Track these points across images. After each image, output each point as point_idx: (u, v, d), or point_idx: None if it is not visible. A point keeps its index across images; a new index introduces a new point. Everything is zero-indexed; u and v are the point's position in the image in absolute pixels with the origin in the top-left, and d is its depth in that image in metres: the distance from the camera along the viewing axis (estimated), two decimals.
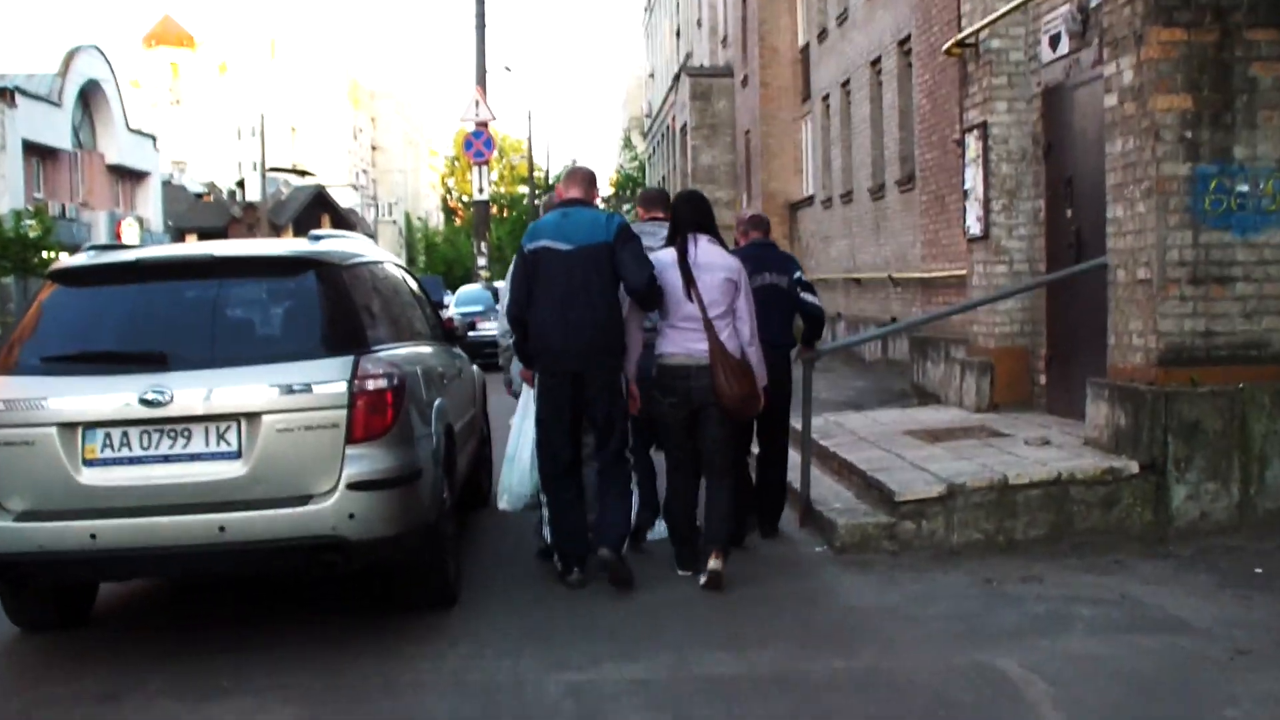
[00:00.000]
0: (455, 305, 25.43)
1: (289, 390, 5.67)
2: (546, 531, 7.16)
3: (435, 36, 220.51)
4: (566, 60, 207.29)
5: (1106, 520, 7.61)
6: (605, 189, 66.68)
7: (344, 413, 5.70)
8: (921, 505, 7.53)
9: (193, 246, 7.33)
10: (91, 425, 5.66)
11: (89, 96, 50.38)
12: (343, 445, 5.70)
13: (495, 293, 25.37)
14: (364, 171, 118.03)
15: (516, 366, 7.52)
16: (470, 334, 23.37)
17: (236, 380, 5.69)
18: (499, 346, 7.98)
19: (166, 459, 5.68)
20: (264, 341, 6.12)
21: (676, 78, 40.39)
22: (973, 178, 11.01)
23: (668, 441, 7.07)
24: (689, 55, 42.26)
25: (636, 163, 62.59)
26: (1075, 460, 7.87)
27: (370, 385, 5.77)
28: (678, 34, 50.25)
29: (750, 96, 31.36)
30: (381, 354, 6.09)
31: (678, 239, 6.84)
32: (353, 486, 5.69)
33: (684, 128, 36.85)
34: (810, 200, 27.56)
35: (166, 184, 78.61)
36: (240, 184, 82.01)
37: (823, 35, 25.71)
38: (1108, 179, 8.28)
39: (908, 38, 19.40)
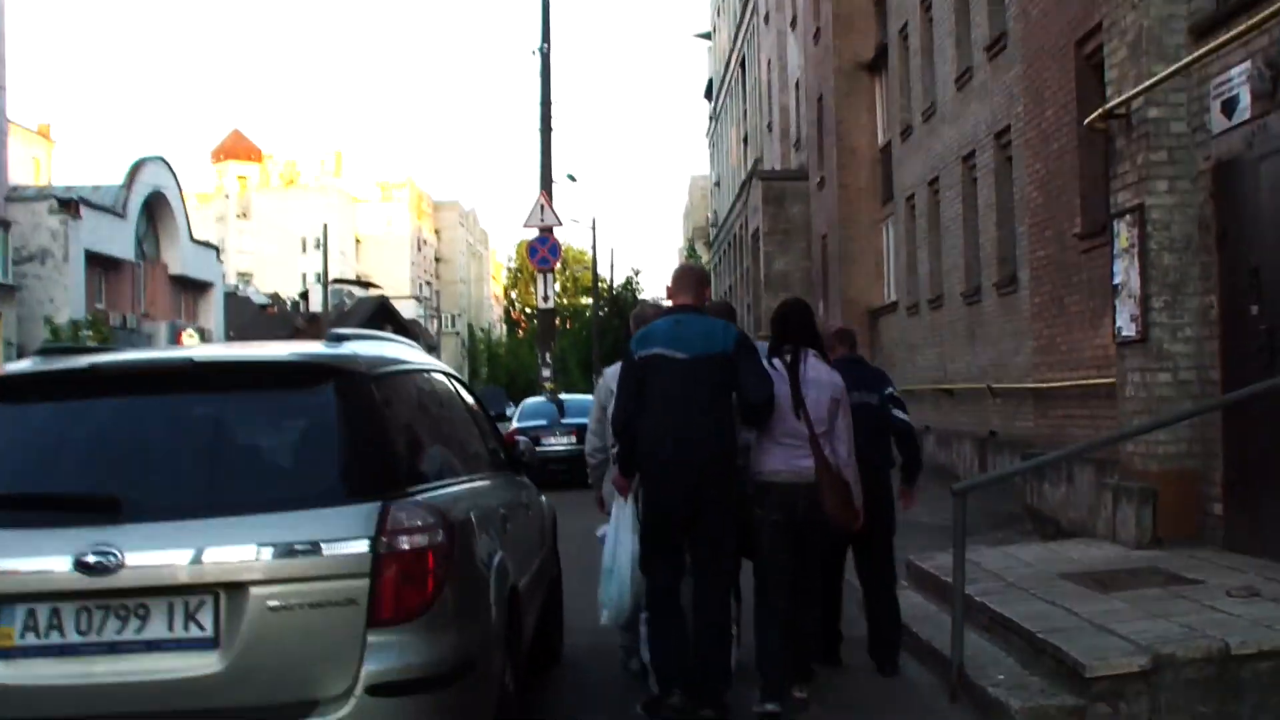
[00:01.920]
0: (518, 419, 23.88)
1: (288, 551, 4.09)
2: (644, 652, 6.75)
3: (499, 148, 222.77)
4: (630, 170, 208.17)
5: None
6: (663, 299, 65.56)
7: (365, 584, 4.11)
8: (1119, 683, 5.80)
9: (172, 349, 5.76)
10: (8, 600, 4.09)
11: (154, 208, 50.12)
12: (363, 630, 4.10)
13: (560, 405, 23.85)
14: (427, 283, 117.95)
15: (608, 485, 7.19)
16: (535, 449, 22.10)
17: (214, 537, 4.14)
18: (588, 464, 7.60)
19: (113, 648, 4.07)
20: (256, 482, 4.47)
21: (745, 184, 39.21)
22: (1124, 271, 9.39)
23: (765, 564, 6.63)
24: (758, 160, 41.07)
25: None
26: None
27: (404, 544, 4.19)
28: (745, 140, 49.32)
29: (827, 199, 29.98)
30: (422, 498, 4.52)
31: (787, 352, 6.61)
32: (376, 690, 4.08)
33: (755, 233, 35.51)
34: (894, 306, 25.97)
35: (231, 295, 78.77)
36: (304, 295, 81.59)
37: (906, 133, 24.32)
38: None
39: (1005, 129, 17.94)
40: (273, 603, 4.05)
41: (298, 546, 4.09)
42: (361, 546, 4.12)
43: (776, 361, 6.59)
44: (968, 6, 19.82)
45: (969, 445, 19.89)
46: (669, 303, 6.97)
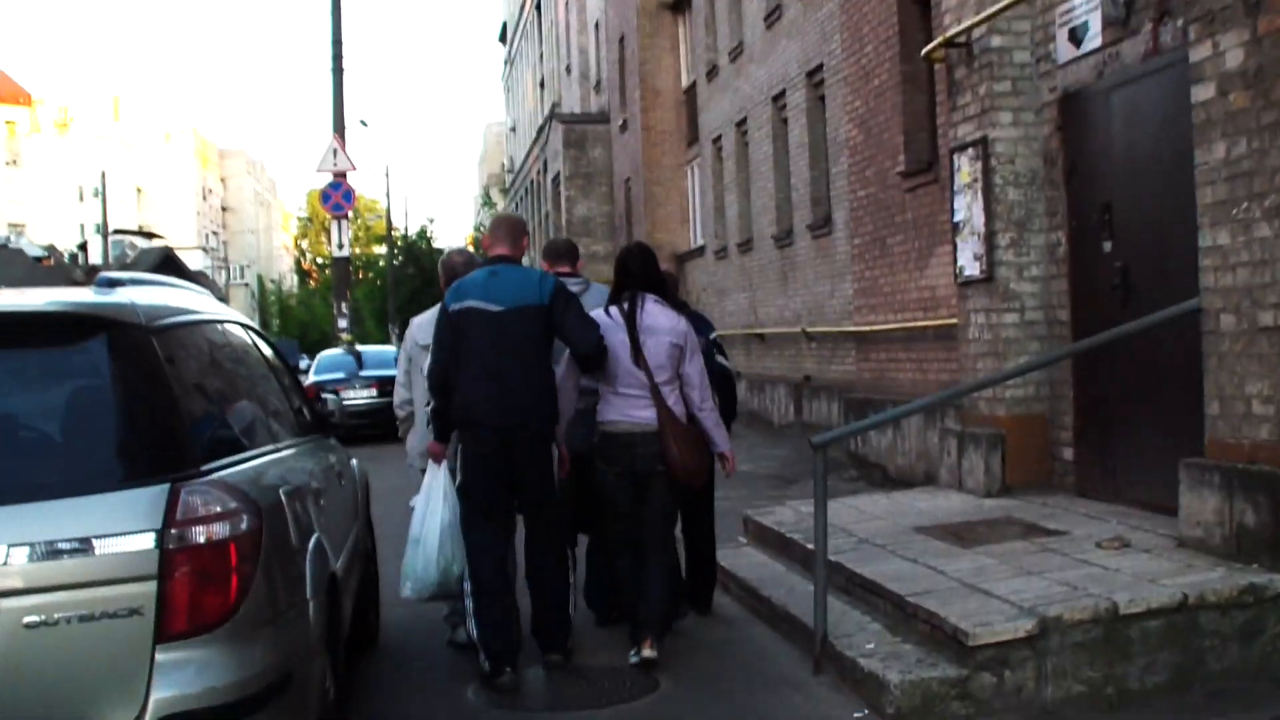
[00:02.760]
0: (315, 372, 22.73)
1: (49, 552, 3.27)
2: (470, 625, 6.39)
3: (287, 94, 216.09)
4: (423, 117, 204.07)
5: (1247, 658, 5.54)
6: (465, 246, 64.52)
7: (151, 588, 3.32)
8: (1003, 650, 5.34)
9: None
10: None
11: None
12: (150, 647, 3.32)
13: (359, 357, 22.82)
14: (214, 233, 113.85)
15: (415, 439, 7.06)
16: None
17: None
18: (396, 417, 7.39)
19: None
20: (4, 463, 3.54)
21: (543, 128, 38.37)
22: (966, 207, 8.99)
23: (609, 517, 6.57)
24: (556, 104, 40.21)
25: None
26: (1197, 574, 5.77)
27: (200, 535, 3.41)
28: (542, 85, 48.40)
29: (630, 142, 29.40)
30: (220, 475, 3.72)
31: (624, 298, 6.42)
32: None
33: (556, 178, 34.75)
34: (701, 251, 25.61)
35: (2, 248, 74.38)
36: (83, 247, 77.26)
37: (712, 73, 23.87)
38: (1200, 196, 6.28)
39: (818, 68, 17.59)
40: (30, 618, 3.25)
41: (61, 545, 3.28)
42: (145, 542, 3.35)
43: (614, 310, 6.41)
44: None
45: (783, 390, 19.63)
46: (471, 250, 6.71)
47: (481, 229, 65.88)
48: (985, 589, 5.95)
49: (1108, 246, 7.81)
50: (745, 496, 12.70)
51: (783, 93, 19.38)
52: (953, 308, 11.58)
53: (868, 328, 14.11)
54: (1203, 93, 6.22)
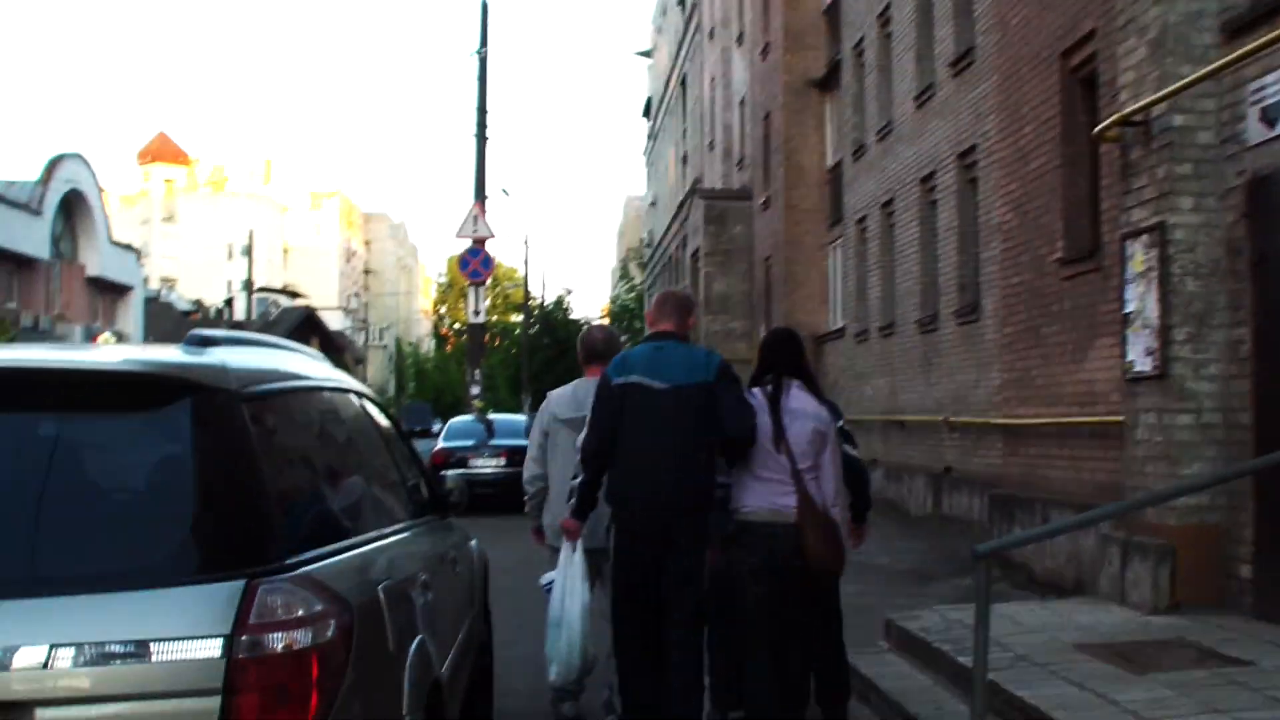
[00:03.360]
0: (444, 438, 22.54)
1: (99, 656, 2.81)
2: (615, 701, 6.31)
3: (431, 161, 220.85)
4: (565, 188, 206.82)
5: None
6: (599, 319, 64.54)
7: (215, 704, 2.83)
8: None
9: None
10: None
11: (71, 206, 48.26)
12: None
13: (490, 425, 22.56)
14: (356, 295, 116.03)
15: (551, 516, 6.83)
16: (460, 470, 20.73)
17: None
18: (525, 493, 7.12)
19: None
20: (56, 546, 3.06)
21: (684, 202, 38.18)
22: (1138, 298, 8.34)
23: (746, 612, 6.08)
24: (698, 180, 40.03)
25: (634, 294, 60.31)
26: None
27: (277, 643, 2.91)
28: (684, 160, 48.40)
29: (772, 220, 29.01)
30: (308, 570, 3.23)
31: (768, 381, 6.18)
32: None
33: (695, 253, 34.45)
34: (840, 333, 25.02)
35: (153, 301, 76.58)
36: (229, 302, 79.70)
37: (859, 152, 23.40)
38: None
39: (970, 149, 17.05)
40: None
41: (113, 648, 2.81)
42: (211, 649, 2.86)
43: (757, 391, 6.17)
44: (931, 21, 18.93)
45: (922, 480, 18.91)
46: (610, 325, 6.32)
47: (618, 301, 66.00)
48: None
49: None
50: (882, 594, 12.05)
51: (932, 174, 18.85)
52: (1112, 404, 10.89)
53: (1017, 420, 13.38)
54: None
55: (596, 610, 6.18)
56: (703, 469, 5.96)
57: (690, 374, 5.98)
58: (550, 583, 6.33)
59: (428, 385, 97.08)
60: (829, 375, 25.32)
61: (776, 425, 5.99)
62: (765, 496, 5.98)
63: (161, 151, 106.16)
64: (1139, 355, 8.34)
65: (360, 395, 4.95)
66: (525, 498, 7.17)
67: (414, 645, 3.87)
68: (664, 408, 5.92)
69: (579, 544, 6.16)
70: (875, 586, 12.39)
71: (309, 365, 4.32)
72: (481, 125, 28.05)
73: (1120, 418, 10.61)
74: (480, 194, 27.38)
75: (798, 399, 6.13)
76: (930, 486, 18.41)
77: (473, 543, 6.45)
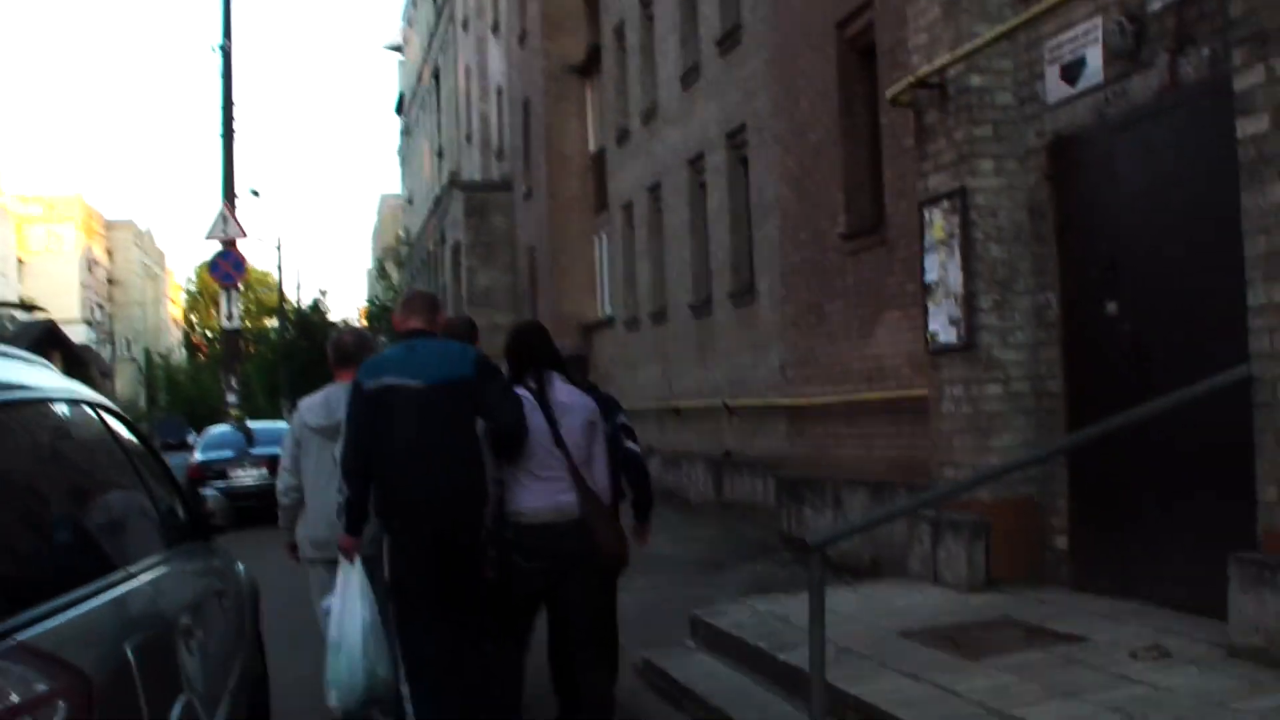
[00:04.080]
0: (201, 450, 21.15)
1: None
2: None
3: (176, 165, 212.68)
4: (316, 189, 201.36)
5: None
6: (357, 320, 62.94)
7: None
8: None
9: None
10: None
11: None
12: None
13: (249, 434, 21.33)
14: (100, 306, 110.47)
15: (306, 529, 6.51)
16: (221, 483, 19.45)
17: None
18: (279, 505, 6.71)
19: None
20: None
21: (441, 197, 37.29)
22: (939, 266, 8.05)
23: (511, 615, 5.86)
24: (455, 173, 39.16)
25: (392, 294, 59.00)
26: (1272, 697, 4.78)
27: None
28: (440, 154, 47.40)
29: (535, 210, 28.43)
30: (30, 635, 2.47)
31: (530, 376, 5.91)
32: None
33: (456, 248, 33.62)
34: (610, 322, 24.60)
35: None
36: None
37: (623, 137, 23.00)
38: (1249, 246, 5.38)
39: (740, 128, 16.78)
40: None
41: None
42: None
43: (521, 390, 5.87)
44: (694, 0, 18.62)
45: (702, 466, 18.61)
46: (363, 327, 5.85)
47: (375, 301, 64.44)
48: (1019, 717, 4.89)
49: (1112, 308, 6.90)
50: (676, 585, 11.61)
51: (700, 155, 18.55)
52: (903, 378, 10.68)
53: (803, 401, 13.13)
54: (1251, 126, 5.34)
55: (378, 629, 5.80)
56: (472, 466, 5.70)
57: (447, 369, 5.72)
58: (329, 606, 5.98)
59: (181, 397, 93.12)
60: (600, 365, 24.89)
61: (551, 422, 5.75)
62: (546, 496, 5.72)
63: None
64: (942, 326, 8.05)
65: (98, 407, 4.13)
66: (280, 509, 6.78)
67: (177, 709, 3.14)
68: (424, 407, 5.64)
69: (356, 562, 5.82)
70: (666, 579, 11.93)
71: (31, 374, 3.52)
72: (227, 121, 26.53)
73: (912, 392, 10.42)
74: (229, 194, 25.88)
75: (563, 392, 5.93)
76: (710, 472, 18.12)
77: (239, 567, 5.66)
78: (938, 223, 8.02)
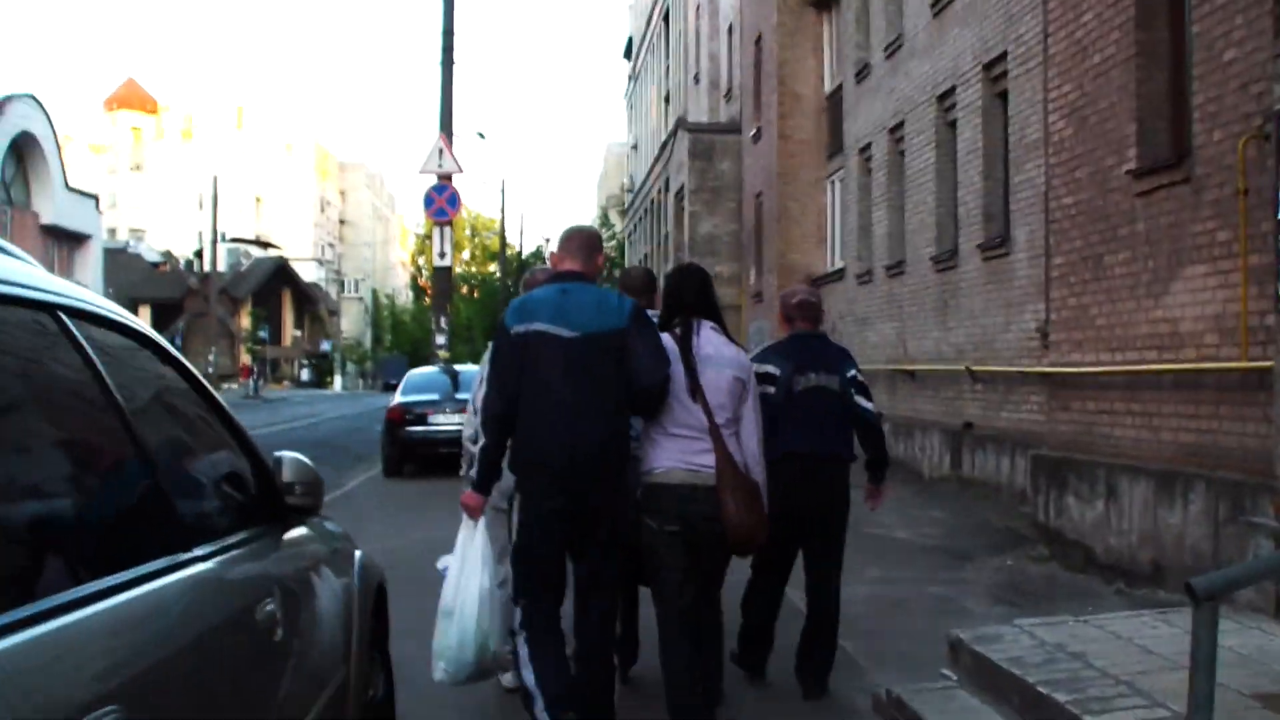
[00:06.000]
0: (403, 392, 20.14)
1: None
2: (525, 675, 5.47)
3: (410, 111, 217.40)
4: (543, 135, 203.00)
5: None
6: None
7: None
8: None
9: None
10: None
11: (22, 150, 45.64)
12: None
13: (455, 377, 20.27)
14: (330, 245, 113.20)
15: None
16: (421, 428, 18.44)
17: None
18: (463, 451, 6.64)
19: None
20: None
21: (667, 141, 35.83)
22: None
23: (660, 585, 5.52)
24: (682, 116, 37.70)
25: (615, 242, 58.07)
26: None
27: None
28: (667, 99, 46.10)
29: (764, 153, 26.72)
30: None
31: (677, 325, 5.64)
32: None
33: (679, 192, 32.16)
34: (840, 274, 22.85)
35: (120, 252, 74.01)
36: (198, 254, 77.19)
37: (863, 73, 21.16)
38: None
39: (1000, 57, 14.83)
40: None
41: None
42: None
43: (666, 336, 5.62)
44: None
45: (937, 437, 16.82)
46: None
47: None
48: None
49: None
50: (913, 578, 9.96)
51: (951, 90, 16.68)
52: (1205, 348, 8.76)
53: (1067, 369, 11.19)
54: None
55: (495, 597, 5.56)
56: (620, 425, 5.44)
57: (602, 319, 5.43)
58: (446, 567, 5.71)
59: (404, 337, 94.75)
60: (827, 321, 23.18)
61: (690, 372, 5.47)
62: (679, 455, 5.43)
63: (129, 98, 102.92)
64: None
65: (144, 338, 2.71)
66: (461, 458, 6.67)
67: None
68: (574, 359, 5.34)
69: (481, 522, 5.56)
70: (901, 570, 10.30)
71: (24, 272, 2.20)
72: (447, 50, 25.46)
73: (1219, 364, 8.54)
74: (446, 126, 24.86)
75: (711, 342, 5.63)
76: (948, 444, 16.32)
77: (358, 554, 4.23)
78: None
